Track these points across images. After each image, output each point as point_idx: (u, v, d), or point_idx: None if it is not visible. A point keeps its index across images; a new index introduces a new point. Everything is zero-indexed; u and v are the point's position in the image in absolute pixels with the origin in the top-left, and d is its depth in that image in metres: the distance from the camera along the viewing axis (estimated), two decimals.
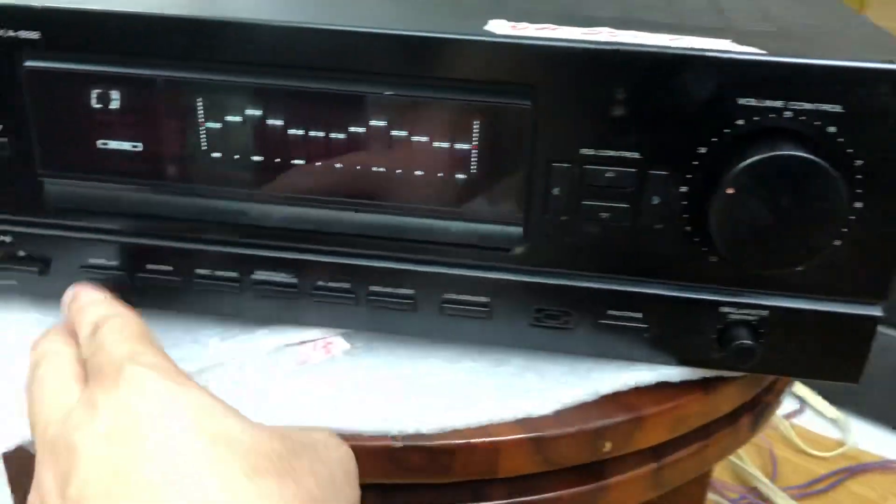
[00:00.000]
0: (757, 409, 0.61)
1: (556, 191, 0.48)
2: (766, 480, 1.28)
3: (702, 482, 0.71)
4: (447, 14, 0.51)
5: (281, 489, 0.37)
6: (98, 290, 0.52)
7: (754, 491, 1.30)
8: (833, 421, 1.41)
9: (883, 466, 1.33)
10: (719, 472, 1.32)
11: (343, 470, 0.43)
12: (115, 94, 0.50)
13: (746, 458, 1.32)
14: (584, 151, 0.47)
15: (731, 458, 1.32)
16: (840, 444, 1.38)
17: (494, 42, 0.45)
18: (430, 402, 0.51)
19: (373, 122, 0.48)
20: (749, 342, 0.49)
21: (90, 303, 0.50)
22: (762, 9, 0.56)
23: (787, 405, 1.45)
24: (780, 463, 1.33)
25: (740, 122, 0.45)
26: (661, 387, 0.53)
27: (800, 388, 1.45)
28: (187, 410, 0.39)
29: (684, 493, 0.67)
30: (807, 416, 1.43)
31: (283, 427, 0.43)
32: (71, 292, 0.52)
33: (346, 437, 0.47)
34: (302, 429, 0.45)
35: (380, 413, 0.49)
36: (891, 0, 1.49)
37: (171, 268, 0.54)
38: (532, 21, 0.49)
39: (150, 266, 0.54)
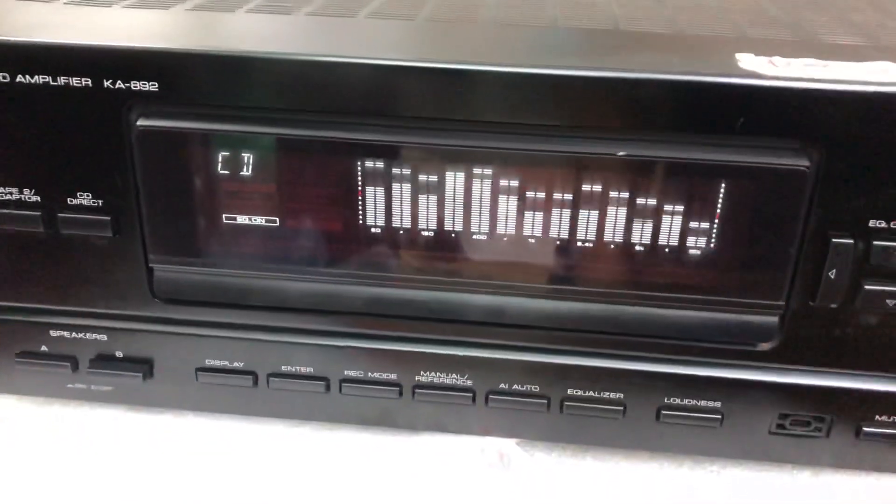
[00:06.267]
0: None
1: (832, 273, 0.37)
2: None
3: None
4: (679, 48, 0.40)
5: None
6: None
7: None
8: None
9: None
10: None
11: None
12: (247, 158, 0.39)
13: None
14: (875, 224, 0.36)
15: None
16: None
17: (762, 86, 0.35)
18: None
19: (590, 187, 0.37)
20: None
21: None
22: None
23: None
24: None
25: None
26: None
27: None
28: None
29: None
30: None
31: None
32: None
33: None
34: None
35: None
36: None
37: (311, 370, 0.43)
38: (778, 52, 0.38)
39: (285, 368, 0.43)
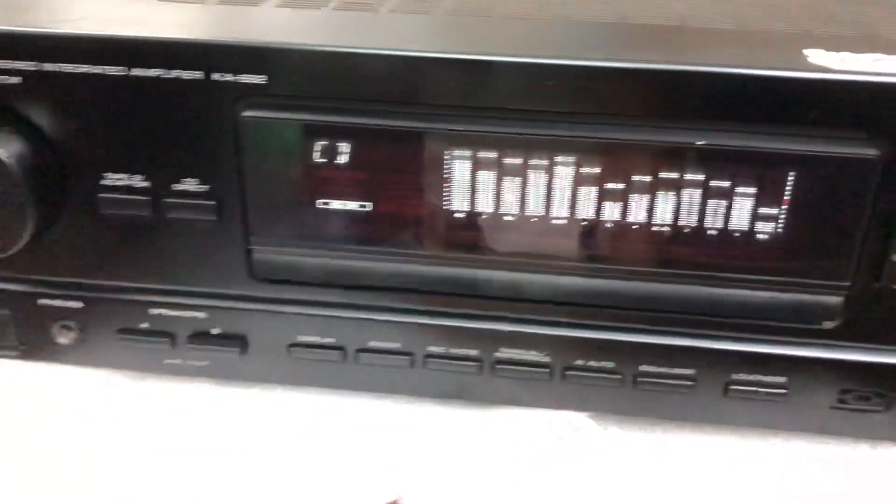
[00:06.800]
0: None
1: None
2: None
3: None
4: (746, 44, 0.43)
5: None
6: None
7: None
8: None
9: None
10: None
11: None
12: (342, 147, 0.41)
13: None
14: None
15: None
16: None
17: (834, 80, 0.37)
18: None
19: (667, 175, 0.40)
20: None
21: None
22: None
23: None
24: None
25: None
26: None
27: None
28: None
29: None
30: None
31: None
32: None
33: None
34: None
35: None
36: None
37: (398, 345, 0.46)
38: (842, 47, 0.40)
39: (373, 344, 0.46)
